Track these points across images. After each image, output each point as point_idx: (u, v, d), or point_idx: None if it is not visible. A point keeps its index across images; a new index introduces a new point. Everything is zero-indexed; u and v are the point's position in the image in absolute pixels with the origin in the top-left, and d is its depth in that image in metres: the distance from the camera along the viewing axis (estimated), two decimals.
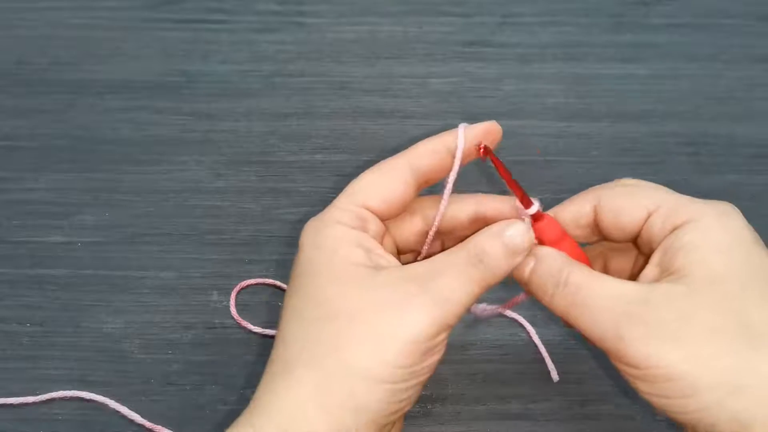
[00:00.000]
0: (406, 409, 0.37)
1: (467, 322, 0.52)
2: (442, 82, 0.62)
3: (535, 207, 0.38)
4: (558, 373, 0.49)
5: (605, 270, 0.42)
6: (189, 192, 0.57)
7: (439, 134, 0.39)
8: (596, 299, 0.35)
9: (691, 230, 0.35)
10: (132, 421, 0.47)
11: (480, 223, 0.39)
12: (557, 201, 0.53)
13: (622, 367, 0.35)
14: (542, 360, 0.50)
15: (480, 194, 0.41)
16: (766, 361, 0.33)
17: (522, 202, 0.38)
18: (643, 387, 0.35)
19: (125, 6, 0.66)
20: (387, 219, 0.40)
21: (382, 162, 0.39)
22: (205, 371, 0.49)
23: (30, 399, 0.48)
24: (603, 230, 0.39)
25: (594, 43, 0.63)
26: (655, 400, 0.34)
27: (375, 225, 0.39)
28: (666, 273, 0.36)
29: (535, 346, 0.50)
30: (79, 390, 0.48)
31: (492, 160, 0.39)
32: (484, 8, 0.65)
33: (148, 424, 0.47)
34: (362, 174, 0.39)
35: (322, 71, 0.62)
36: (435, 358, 0.36)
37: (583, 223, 0.40)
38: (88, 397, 0.48)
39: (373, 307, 0.35)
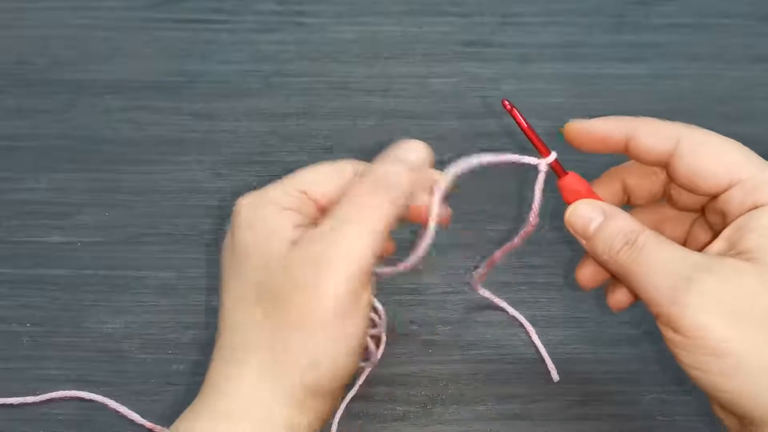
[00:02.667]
0: (353, 370, 0.36)
1: (468, 322, 0.52)
2: (442, 82, 0.62)
3: (553, 156, 0.38)
4: (558, 373, 0.49)
5: None
6: (189, 192, 0.57)
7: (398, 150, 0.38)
8: (660, 260, 0.34)
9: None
10: (132, 421, 0.47)
11: None
12: (557, 201, 0.53)
13: (668, 334, 0.34)
14: (542, 360, 0.50)
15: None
16: None
17: (540, 151, 0.38)
18: (683, 356, 0.33)
19: (125, 6, 0.66)
20: (323, 212, 0.39)
21: (331, 162, 0.39)
22: (205, 371, 0.49)
23: (30, 399, 0.48)
24: (673, 178, 0.37)
25: (594, 43, 0.63)
26: (693, 372, 0.34)
27: (310, 209, 0.38)
28: (734, 251, 0.34)
29: (535, 346, 0.50)
30: (79, 390, 0.48)
31: (513, 116, 0.39)
32: (484, 8, 0.65)
33: (148, 424, 0.47)
34: (309, 166, 0.39)
35: (322, 71, 0.62)
36: (366, 298, 0.35)
37: (656, 159, 0.37)
38: (88, 397, 0.48)
39: (301, 282, 0.34)
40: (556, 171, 0.39)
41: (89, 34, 0.64)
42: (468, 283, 0.48)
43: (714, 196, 0.37)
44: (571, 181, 0.39)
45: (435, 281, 0.53)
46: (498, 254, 0.43)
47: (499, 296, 0.52)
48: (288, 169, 0.60)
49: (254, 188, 0.40)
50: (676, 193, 0.39)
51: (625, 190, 0.40)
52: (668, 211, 0.41)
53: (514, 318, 0.51)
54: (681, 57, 0.62)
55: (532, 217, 0.40)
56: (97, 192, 0.57)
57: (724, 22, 0.64)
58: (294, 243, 0.36)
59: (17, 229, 0.55)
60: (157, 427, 0.47)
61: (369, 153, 0.58)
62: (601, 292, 0.53)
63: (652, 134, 0.37)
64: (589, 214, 0.37)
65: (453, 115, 0.60)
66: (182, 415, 0.37)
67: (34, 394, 0.48)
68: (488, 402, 0.49)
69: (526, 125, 0.39)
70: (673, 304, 0.33)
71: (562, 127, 0.39)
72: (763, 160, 0.36)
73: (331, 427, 0.48)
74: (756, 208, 0.34)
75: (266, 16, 0.65)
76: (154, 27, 0.65)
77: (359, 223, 0.35)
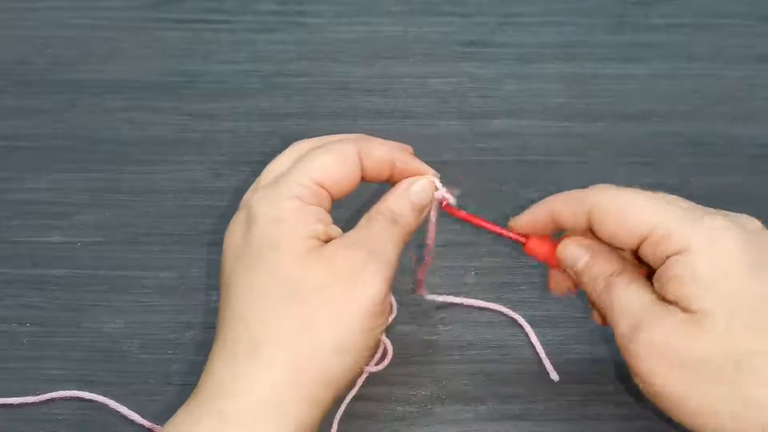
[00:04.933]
0: (359, 376, 0.40)
1: (468, 322, 0.52)
2: (442, 82, 0.62)
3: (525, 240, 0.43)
4: (558, 373, 0.49)
5: None
6: (189, 192, 0.57)
7: (391, 143, 0.42)
8: (622, 303, 0.38)
9: (681, 263, 0.36)
10: (132, 421, 0.47)
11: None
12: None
13: (632, 372, 0.38)
14: (542, 360, 0.50)
15: (393, 155, 0.42)
16: (751, 389, 0.34)
17: (514, 240, 0.44)
18: (641, 388, 0.38)
19: (125, 6, 0.66)
20: (334, 200, 0.41)
21: (331, 144, 0.41)
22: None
23: (30, 399, 0.48)
24: (600, 239, 0.41)
25: (594, 43, 0.63)
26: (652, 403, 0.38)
27: (328, 204, 0.40)
28: (667, 297, 0.37)
29: (534, 346, 0.50)
30: (79, 390, 0.48)
31: (461, 217, 0.44)
32: (484, 8, 0.65)
33: (148, 424, 0.47)
34: (314, 153, 0.40)
35: (322, 71, 0.62)
36: (387, 316, 0.39)
37: (581, 227, 0.41)
38: (88, 397, 0.48)
39: (333, 280, 0.37)
40: (516, 241, 0.44)
41: (89, 34, 0.64)
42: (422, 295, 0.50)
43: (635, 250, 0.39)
44: (534, 246, 0.44)
45: (435, 281, 0.53)
46: (423, 268, 0.47)
47: (499, 296, 0.52)
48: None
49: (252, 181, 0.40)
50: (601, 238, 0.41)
51: (555, 221, 0.42)
52: None
53: (513, 318, 0.51)
54: (681, 57, 0.62)
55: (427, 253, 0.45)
56: (97, 192, 0.57)
57: (724, 22, 0.64)
58: (323, 238, 0.38)
59: (17, 229, 0.55)
60: (157, 427, 0.47)
61: None
62: None
63: (566, 211, 0.41)
64: (576, 253, 0.41)
65: (453, 115, 0.60)
66: (175, 417, 0.36)
67: (34, 394, 0.48)
68: (488, 402, 0.49)
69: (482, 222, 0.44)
70: (626, 350, 0.37)
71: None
72: (666, 205, 0.38)
73: (331, 427, 0.48)
74: (668, 257, 0.37)
75: (266, 16, 0.65)
76: (154, 27, 0.65)
77: (388, 239, 0.39)
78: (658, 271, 0.37)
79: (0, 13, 0.66)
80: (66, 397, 0.48)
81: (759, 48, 0.63)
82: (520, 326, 0.51)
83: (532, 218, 0.42)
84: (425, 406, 0.49)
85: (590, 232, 0.41)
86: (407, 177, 0.41)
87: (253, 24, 0.65)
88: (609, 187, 0.40)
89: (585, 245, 0.41)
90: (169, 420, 0.37)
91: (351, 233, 0.39)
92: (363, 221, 0.40)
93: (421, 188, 0.41)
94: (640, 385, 0.38)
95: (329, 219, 0.40)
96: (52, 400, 0.48)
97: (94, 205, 0.56)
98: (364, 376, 0.49)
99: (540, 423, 0.48)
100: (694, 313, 0.35)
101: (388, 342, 0.50)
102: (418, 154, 0.58)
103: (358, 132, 0.59)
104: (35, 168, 0.58)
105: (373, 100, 0.61)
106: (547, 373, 0.49)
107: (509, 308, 0.52)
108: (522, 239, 0.44)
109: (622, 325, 0.37)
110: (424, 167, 0.42)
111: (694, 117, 0.59)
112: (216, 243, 0.54)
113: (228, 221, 0.51)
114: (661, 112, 0.59)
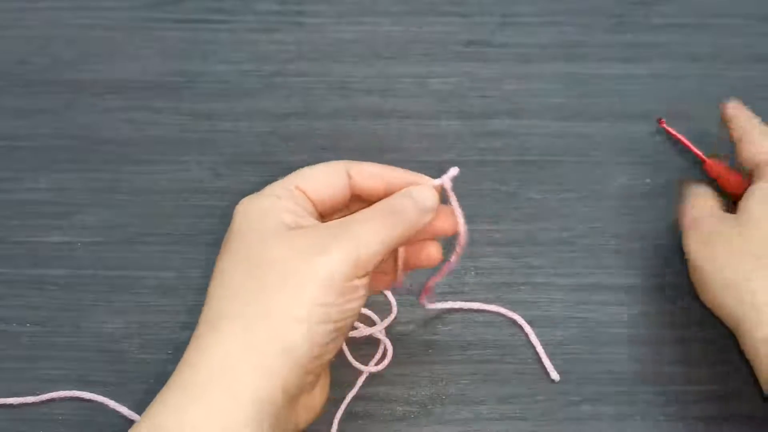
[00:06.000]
0: (328, 358, 0.38)
1: (468, 322, 0.52)
2: (442, 82, 0.62)
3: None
4: (558, 373, 0.49)
5: None
6: (189, 192, 0.57)
7: (391, 168, 0.43)
8: (706, 226, 0.47)
9: (757, 184, 0.48)
10: (132, 421, 0.47)
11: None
12: (557, 201, 0.53)
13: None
14: (542, 360, 0.50)
15: (385, 168, 0.43)
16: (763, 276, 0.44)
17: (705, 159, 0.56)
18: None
19: (125, 6, 0.66)
20: (322, 212, 0.42)
21: (325, 162, 0.42)
22: None
23: (30, 399, 0.48)
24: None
25: (594, 43, 0.63)
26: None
27: (306, 205, 0.40)
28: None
29: (534, 346, 0.50)
30: (78, 390, 0.48)
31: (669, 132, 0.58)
32: (484, 8, 0.65)
33: None
34: (306, 166, 0.42)
35: (322, 71, 0.62)
36: (353, 304, 0.38)
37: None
38: (87, 397, 0.48)
39: (293, 254, 0.37)
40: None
41: (89, 34, 0.64)
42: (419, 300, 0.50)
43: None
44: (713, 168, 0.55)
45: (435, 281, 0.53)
46: (436, 278, 0.47)
47: (498, 296, 0.52)
48: (288, 169, 0.60)
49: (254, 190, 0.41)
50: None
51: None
52: None
53: (513, 318, 0.51)
54: (681, 57, 0.62)
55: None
56: (97, 192, 0.57)
57: (724, 22, 0.64)
58: (291, 226, 0.38)
59: (17, 229, 0.55)
60: None
61: (369, 153, 0.59)
62: (601, 292, 0.53)
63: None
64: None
65: (453, 115, 0.60)
66: (157, 396, 0.37)
67: (34, 394, 0.48)
68: (488, 402, 0.49)
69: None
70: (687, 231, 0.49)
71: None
72: None
73: (331, 427, 0.48)
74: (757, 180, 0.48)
75: (266, 16, 0.65)
76: (154, 27, 0.65)
77: (369, 224, 0.38)
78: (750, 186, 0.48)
79: (0, 13, 0.65)
80: (66, 397, 0.48)
81: (759, 48, 0.63)
82: (520, 326, 0.51)
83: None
84: (425, 406, 0.49)
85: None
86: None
87: (253, 24, 0.65)
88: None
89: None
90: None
91: (329, 221, 0.40)
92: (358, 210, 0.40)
93: (421, 190, 0.41)
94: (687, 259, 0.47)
95: (301, 210, 0.40)
96: (52, 400, 0.48)
97: (94, 205, 0.56)
98: (363, 376, 0.49)
99: (540, 423, 0.48)
100: (740, 218, 0.46)
101: (388, 342, 0.50)
102: (418, 153, 0.58)
103: (358, 131, 0.60)
104: (35, 168, 0.58)
105: (373, 100, 0.61)
106: (547, 373, 0.49)
107: (509, 308, 0.52)
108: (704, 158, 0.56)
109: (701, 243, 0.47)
110: (423, 177, 0.42)
111: (694, 117, 0.59)
112: (216, 243, 0.54)
113: (228, 221, 0.51)
114: (661, 112, 0.59)
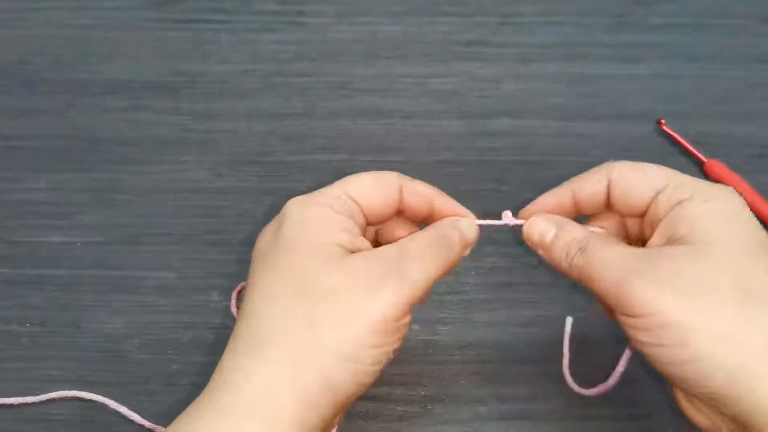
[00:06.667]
0: (362, 392, 0.37)
1: (468, 322, 0.52)
2: (442, 82, 0.62)
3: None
4: (558, 373, 0.49)
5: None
6: (189, 192, 0.57)
7: (441, 195, 0.42)
8: (606, 258, 0.37)
9: (696, 203, 0.37)
10: (132, 421, 0.47)
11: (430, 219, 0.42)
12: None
13: (623, 320, 0.36)
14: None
15: (436, 192, 0.42)
16: (762, 316, 0.34)
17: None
18: (641, 336, 0.36)
19: (125, 6, 0.66)
20: (368, 222, 0.41)
21: (378, 171, 0.41)
22: (205, 371, 0.49)
23: (30, 399, 0.48)
24: (613, 206, 0.41)
25: (594, 43, 0.63)
26: (652, 351, 0.35)
27: (360, 218, 0.40)
28: (670, 241, 0.37)
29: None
30: (79, 390, 0.48)
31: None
32: (484, 8, 0.65)
33: (148, 424, 0.47)
34: (357, 173, 0.41)
35: (322, 71, 0.62)
36: (398, 344, 0.37)
37: (599, 200, 0.41)
38: (88, 397, 0.48)
39: (347, 286, 0.36)
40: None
41: (89, 34, 0.64)
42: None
43: (646, 210, 0.40)
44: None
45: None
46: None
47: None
48: (288, 169, 0.60)
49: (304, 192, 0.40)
50: (615, 204, 0.42)
51: (575, 203, 0.42)
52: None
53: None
54: (681, 57, 0.62)
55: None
56: (97, 192, 0.57)
57: (724, 22, 0.64)
58: (347, 248, 0.37)
59: (17, 229, 0.55)
60: (158, 427, 0.47)
61: (369, 153, 0.59)
62: None
63: (587, 184, 0.41)
64: (545, 227, 0.41)
65: (453, 115, 0.60)
66: (184, 413, 0.36)
67: (34, 394, 0.48)
68: (488, 402, 0.49)
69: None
70: (623, 290, 0.36)
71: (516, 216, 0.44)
72: (677, 172, 0.40)
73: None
74: (681, 202, 0.38)
75: (266, 16, 0.65)
76: (154, 27, 0.65)
77: (422, 262, 0.38)
78: (669, 215, 0.38)
79: (0, 13, 0.65)
80: (66, 397, 0.48)
81: (759, 48, 0.63)
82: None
83: (555, 198, 0.42)
84: (425, 406, 0.49)
85: (603, 210, 0.42)
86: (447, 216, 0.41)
87: (253, 24, 0.65)
88: (622, 161, 0.41)
89: (553, 219, 0.41)
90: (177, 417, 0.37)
91: (382, 248, 0.38)
92: (407, 240, 0.39)
93: (469, 224, 0.41)
94: (639, 321, 0.35)
95: (358, 231, 0.39)
96: (52, 400, 0.48)
97: (94, 205, 0.56)
98: None
99: (540, 423, 0.48)
100: (703, 245, 0.36)
101: None
102: (419, 153, 0.58)
103: (358, 131, 0.60)
104: (35, 168, 0.58)
105: (373, 100, 0.61)
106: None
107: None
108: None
109: (609, 275, 0.37)
110: (465, 210, 0.42)
111: (694, 117, 0.59)
112: (216, 243, 0.54)
113: (228, 221, 0.51)
114: (661, 112, 0.59)
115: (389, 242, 0.41)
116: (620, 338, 0.51)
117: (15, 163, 0.58)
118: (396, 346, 0.37)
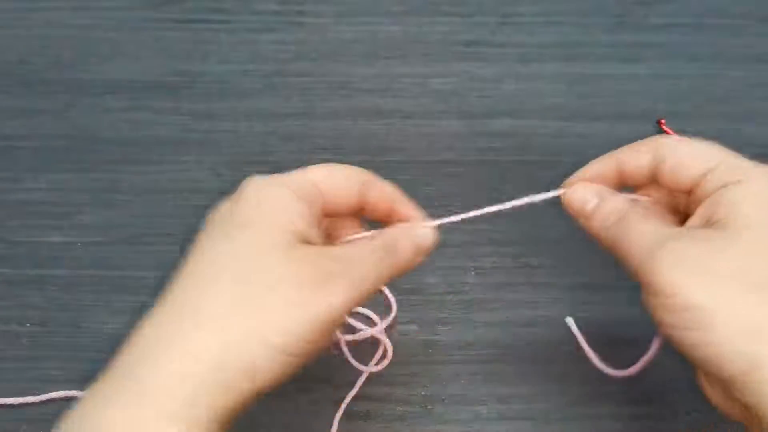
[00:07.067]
0: (284, 382, 0.36)
1: (468, 322, 0.52)
2: (442, 82, 0.62)
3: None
4: (558, 373, 0.49)
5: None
6: (189, 192, 0.57)
7: (403, 200, 0.41)
8: (640, 231, 0.37)
9: (739, 188, 0.37)
10: None
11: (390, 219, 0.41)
12: (557, 201, 0.52)
13: (648, 298, 0.36)
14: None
15: (399, 195, 0.41)
16: None
17: None
18: (665, 317, 0.35)
19: (125, 6, 0.66)
20: (325, 213, 0.40)
21: (345, 165, 0.41)
22: None
23: (30, 399, 0.48)
24: (660, 180, 0.40)
25: (594, 43, 0.63)
26: (675, 333, 0.35)
27: (318, 208, 0.39)
28: (708, 223, 0.37)
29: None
30: (79, 390, 0.48)
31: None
32: (484, 8, 0.65)
33: None
34: (320, 164, 0.40)
35: (322, 71, 0.62)
36: (330, 341, 0.37)
37: (644, 174, 0.41)
38: None
39: (294, 279, 0.35)
40: None
41: (89, 34, 0.64)
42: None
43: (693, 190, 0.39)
44: None
45: (435, 281, 0.53)
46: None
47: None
48: (288, 169, 0.60)
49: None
50: (663, 179, 0.41)
51: (619, 173, 0.42)
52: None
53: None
54: (681, 57, 0.62)
55: None
56: (97, 192, 0.57)
57: (724, 22, 0.64)
58: (300, 238, 0.36)
59: (17, 229, 0.55)
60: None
61: (369, 153, 0.59)
62: (600, 293, 0.53)
63: (631, 157, 0.41)
64: (585, 196, 0.41)
65: (453, 115, 0.60)
66: (92, 390, 0.36)
67: (34, 394, 0.48)
68: (488, 402, 0.49)
69: None
70: (651, 267, 0.35)
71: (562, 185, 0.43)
72: (733, 152, 0.39)
73: (331, 427, 0.48)
74: (726, 185, 0.37)
75: (266, 16, 0.65)
76: (154, 27, 0.65)
77: (370, 267, 0.37)
78: (711, 197, 0.37)
79: (0, 13, 0.65)
80: (66, 397, 0.48)
81: (759, 48, 0.63)
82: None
83: (600, 168, 0.42)
84: (425, 406, 0.49)
85: (649, 183, 0.41)
86: (404, 221, 0.41)
87: (253, 24, 0.65)
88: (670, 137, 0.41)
89: (595, 188, 0.41)
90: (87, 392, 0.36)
91: (334, 247, 0.38)
92: (358, 241, 0.39)
93: (425, 233, 0.40)
94: (663, 301, 0.35)
95: (314, 221, 0.38)
96: (52, 400, 0.48)
97: (94, 205, 0.56)
98: (363, 376, 0.49)
99: (540, 423, 0.48)
100: (736, 229, 0.35)
101: (388, 342, 0.50)
102: (418, 153, 0.58)
103: (359, 131, 0.60)
104: (35, 168, 0.58)
105: (373, 100, 0.61)
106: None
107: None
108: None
109: (641, 247, 0.36)
110: (422, 215, 0.41)
111: (694, 117, 0.59)
112: None
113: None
114: (661, 112, 0.59)
115: (337, 239, 0.41)
116: (620, 338, 0.51)
117: (15, 163, 0.58)
118: (327, 345, 0.37)
